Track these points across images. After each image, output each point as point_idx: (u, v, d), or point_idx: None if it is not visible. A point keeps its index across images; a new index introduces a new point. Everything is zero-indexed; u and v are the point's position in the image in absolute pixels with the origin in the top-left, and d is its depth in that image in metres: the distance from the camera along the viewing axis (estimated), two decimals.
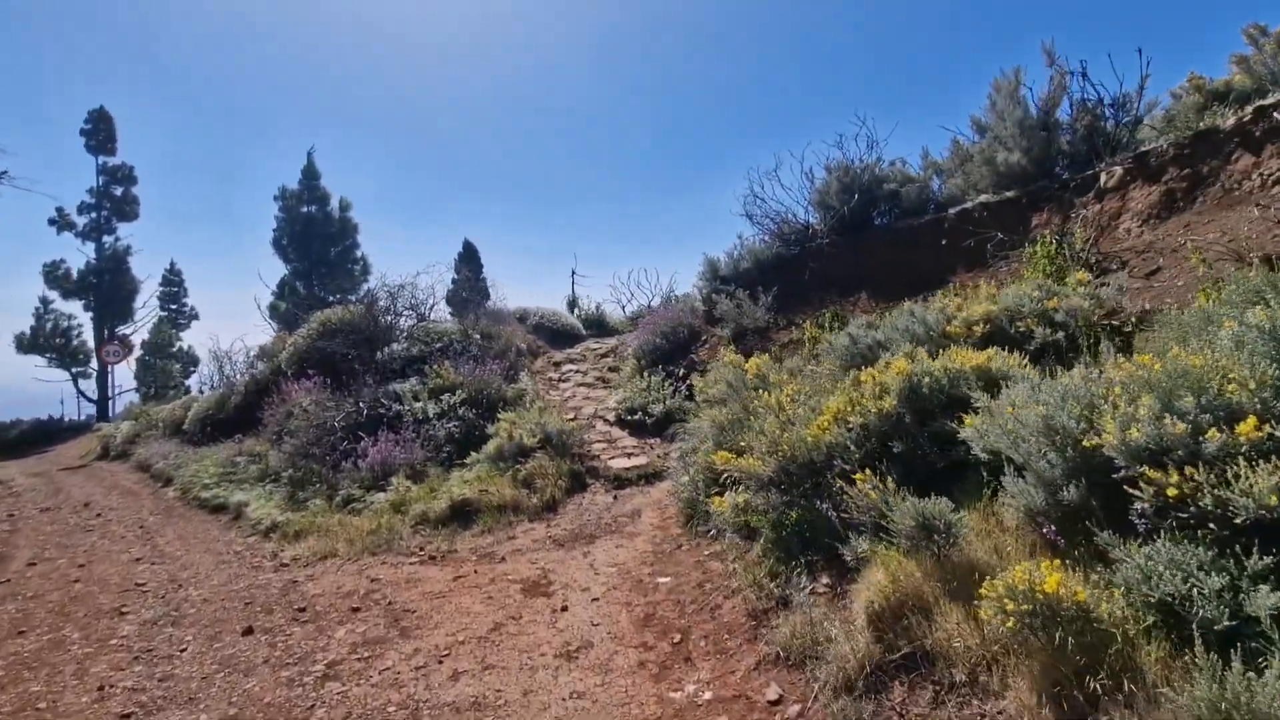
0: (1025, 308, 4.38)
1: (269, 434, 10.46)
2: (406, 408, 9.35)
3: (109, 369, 26.60)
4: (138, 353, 28.85)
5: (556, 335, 13.86)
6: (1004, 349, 3.95)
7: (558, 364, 12.02)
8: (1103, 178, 6.17)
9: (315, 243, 29.27)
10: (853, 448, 3.62)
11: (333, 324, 11.90)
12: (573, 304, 18.15)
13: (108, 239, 27.87)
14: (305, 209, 29.71)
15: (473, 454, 7.87)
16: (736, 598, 3.90)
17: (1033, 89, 7.46)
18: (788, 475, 3.91)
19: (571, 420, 8.92)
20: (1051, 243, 6.01)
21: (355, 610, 4.61)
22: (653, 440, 8.49)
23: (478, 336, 11.73)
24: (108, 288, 27.57)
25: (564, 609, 4.23)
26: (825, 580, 3.58)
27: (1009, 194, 7.47)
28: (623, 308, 18.39)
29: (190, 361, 31.34)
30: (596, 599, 4.31)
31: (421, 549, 5.83)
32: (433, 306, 12.91)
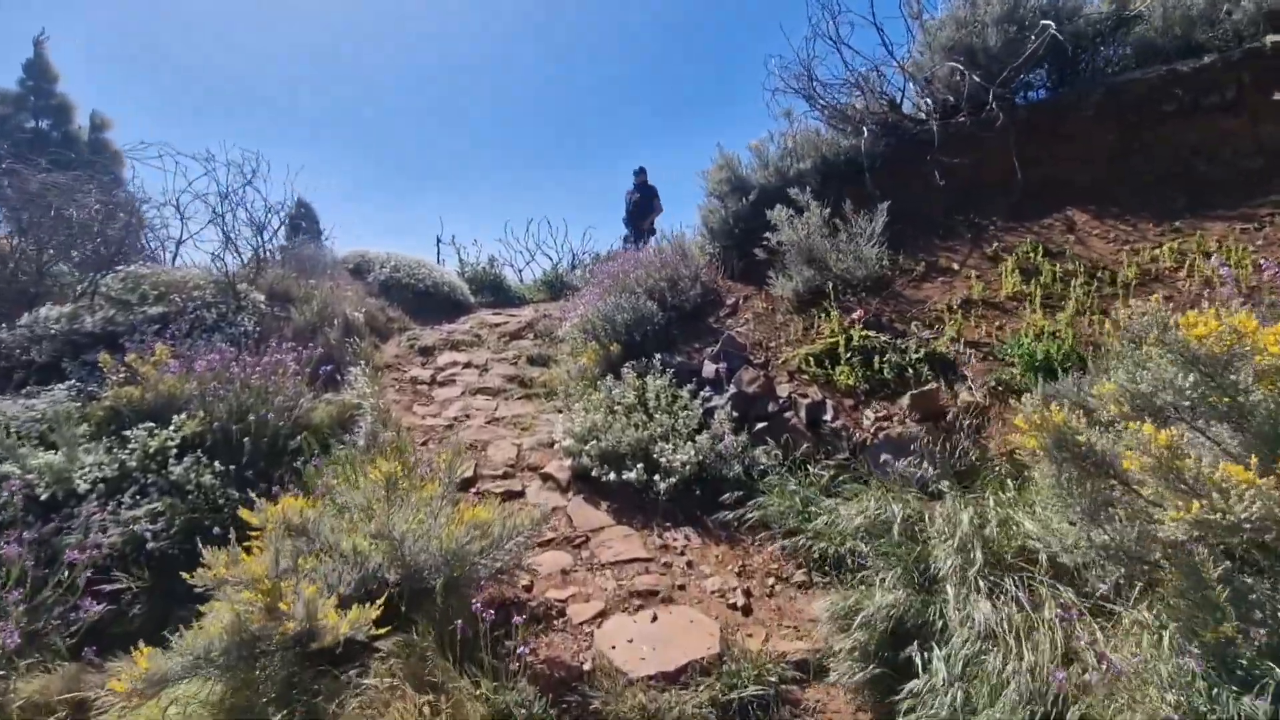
0: None
1: None
2: (10, 468, 3.49)
3: None
4: None
5: (426, 302, 8.21)
6: None
7: (429, 351, 6.50)
8: None
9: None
10: None
11: None
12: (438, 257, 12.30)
13: None
14: (32, 122, 20.43)
15: (177, 637, 2.35)
16: None
17: None
18: None
19: (472, 502, 3.66)
20: None
21: None
22: (678, 532, 3.51)
23: (260, 297, 5.88)
24: None
25: None
26: None
27: None
28: (519, 273, 12.95)
29: None
30: None
31: None
32: (180, 242, 6.74)
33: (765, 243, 4.94)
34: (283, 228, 7.12)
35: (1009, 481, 2.60)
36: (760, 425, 3.90)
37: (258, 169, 6.43)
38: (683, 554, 3.34)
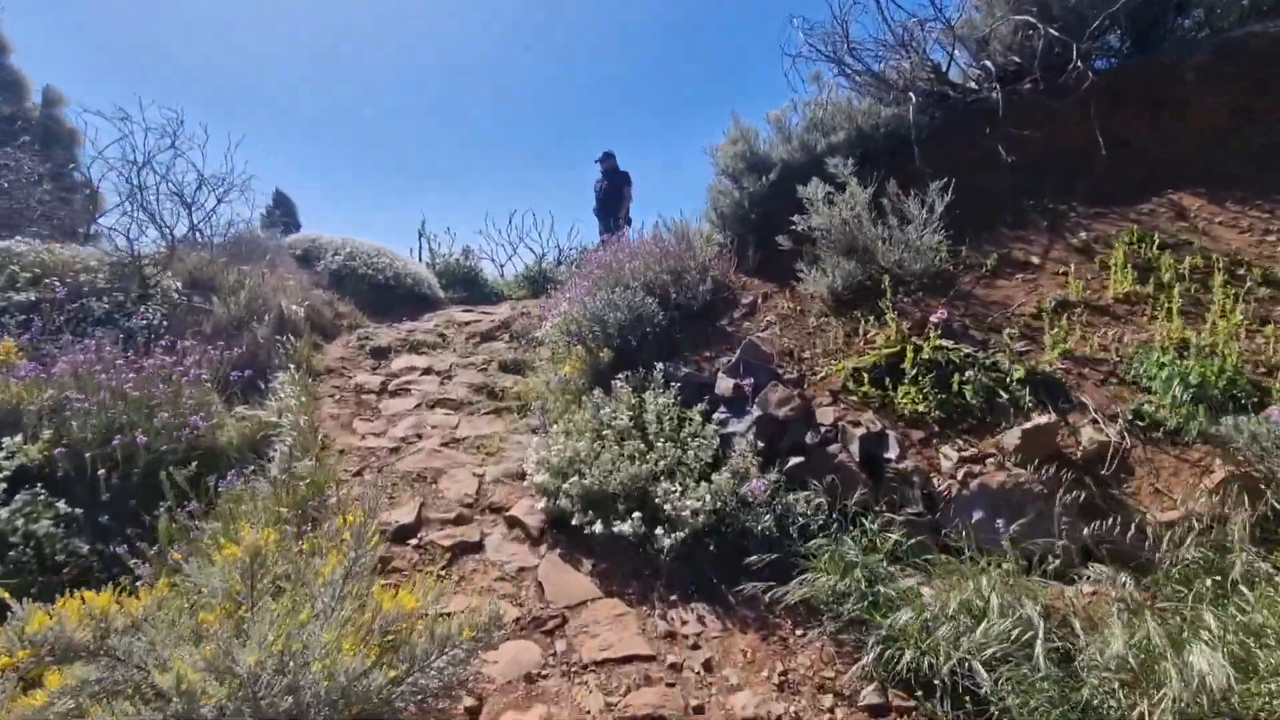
0: None
1: None
2: None
3: None
4: None
5: (386, 295, 7.19)
6: None
7: (383, 353, 5.50)
8: None
9: None
10: None
11: None
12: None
13: None
14: None
15: None
16: None
17: None
18: None
19: (410, 559, 2.68)
20: None
21: None
22: (688, 611, 2.56)
23: (174, 285, 4.85)
24: None
25: None
26: None
27: None
28: (500, 267, 11.94)
29: None
30: None
31: None
32: (94, 219, 5.66)
33: (792, 228, 4.02)
34: (220, 205, 6.03)
35: (1219, 580, 1.68)
36: (795, 461, 2.97)
37: (179, 132, 5.37)
38: (697, 647, 2.39)
